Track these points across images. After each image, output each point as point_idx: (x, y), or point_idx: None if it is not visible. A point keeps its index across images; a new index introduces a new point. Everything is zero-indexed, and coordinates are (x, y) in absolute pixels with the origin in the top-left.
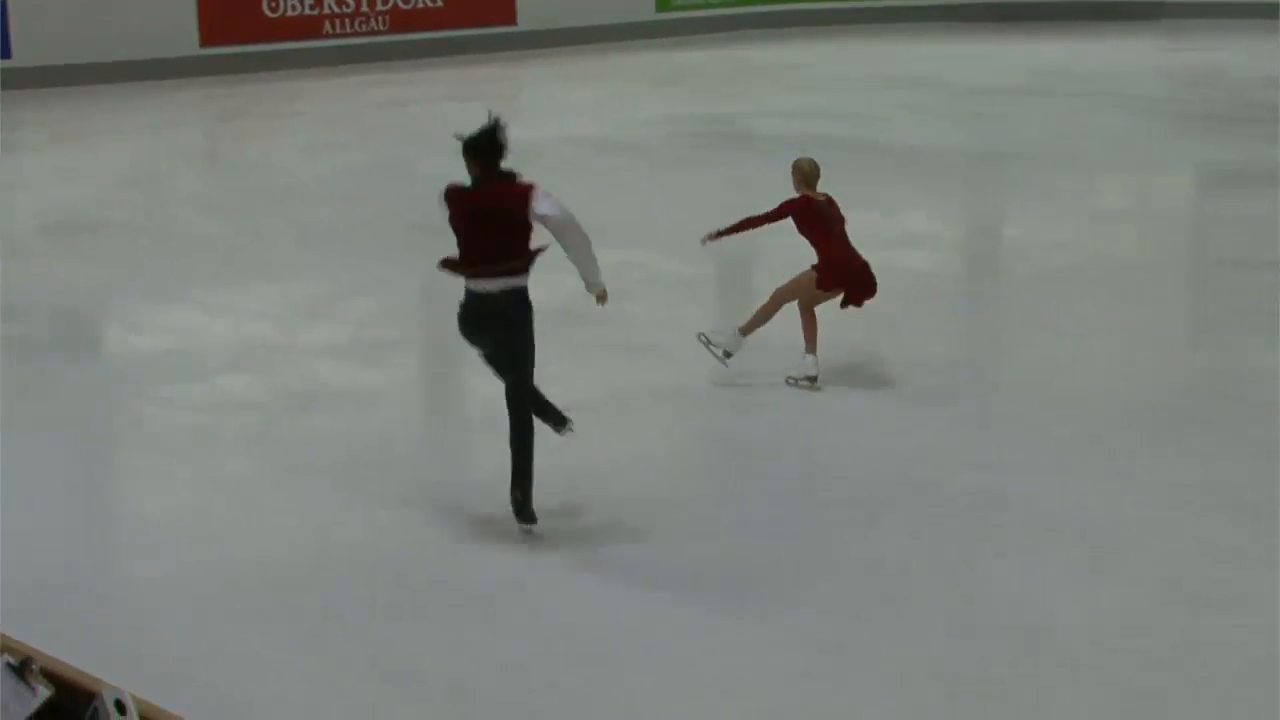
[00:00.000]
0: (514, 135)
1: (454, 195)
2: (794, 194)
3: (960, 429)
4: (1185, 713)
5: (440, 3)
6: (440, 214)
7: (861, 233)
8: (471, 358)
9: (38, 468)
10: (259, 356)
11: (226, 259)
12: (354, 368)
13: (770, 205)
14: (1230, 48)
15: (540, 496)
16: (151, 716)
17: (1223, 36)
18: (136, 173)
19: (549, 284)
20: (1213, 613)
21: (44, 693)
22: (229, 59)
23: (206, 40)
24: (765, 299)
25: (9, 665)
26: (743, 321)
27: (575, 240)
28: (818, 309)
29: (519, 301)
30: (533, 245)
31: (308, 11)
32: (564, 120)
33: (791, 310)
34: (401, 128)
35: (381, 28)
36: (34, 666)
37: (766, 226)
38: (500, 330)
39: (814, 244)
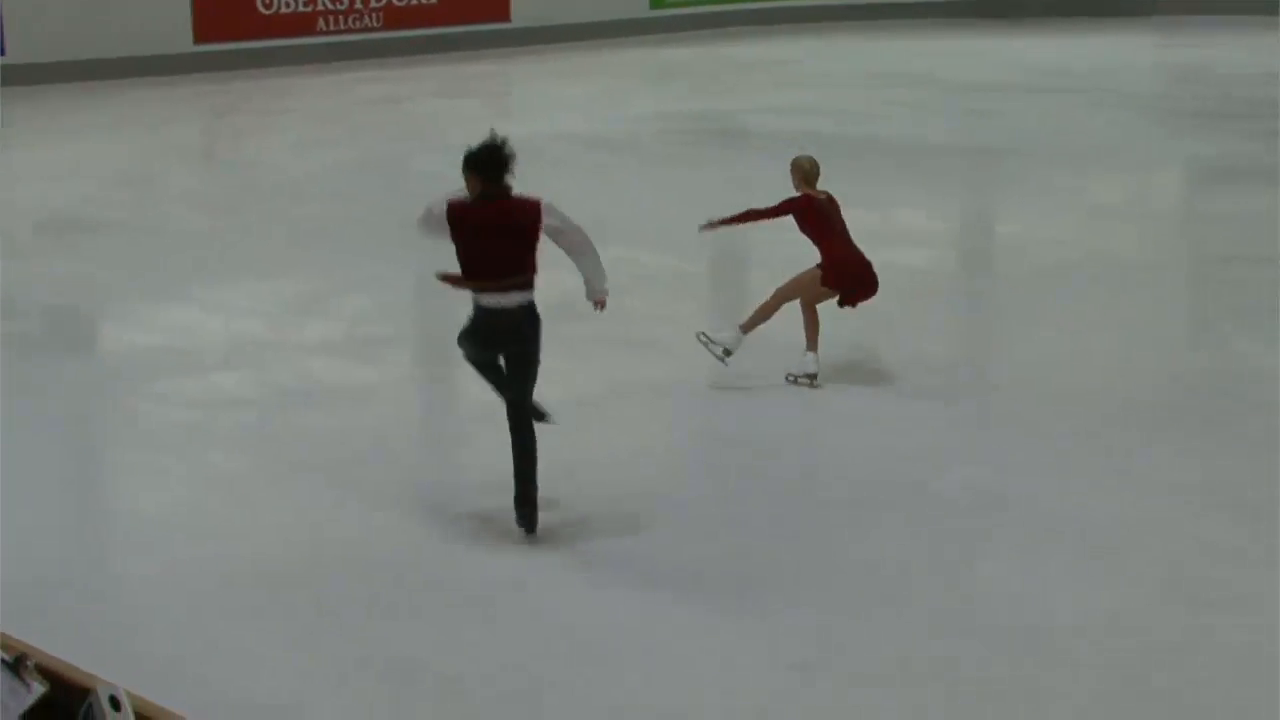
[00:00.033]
0: (506, 132)
1: (459, 211)
2: (794, 192)
3: (960, 428)
4: (1186, 712)
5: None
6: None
7: (857, 230)
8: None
9: (32, 464)
10: (253, 353)
11: (221, 256)
12: (348, 364)
13: (764, 202)
14: (1222, 44)
15: (539, 492)
16: (152, 715)
17: (1215, 32)
18: (130, 170)
19: (544, 280)
20: (1213, 612)
21: (38, 689)
22: (223, 56)
23: (200, 37)
24: (760, 295)
25: (3, 661)
26: (743, 319)
27: (585, 250)
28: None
29: (533, 315)
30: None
31: (301, 8)
32: (556, 117)
33: (790, 308)
34: (394, 125)
35: (375, 25)
36: (28, 663)
37: (765, 222)
38: (515, 344)
39: (816, 242)
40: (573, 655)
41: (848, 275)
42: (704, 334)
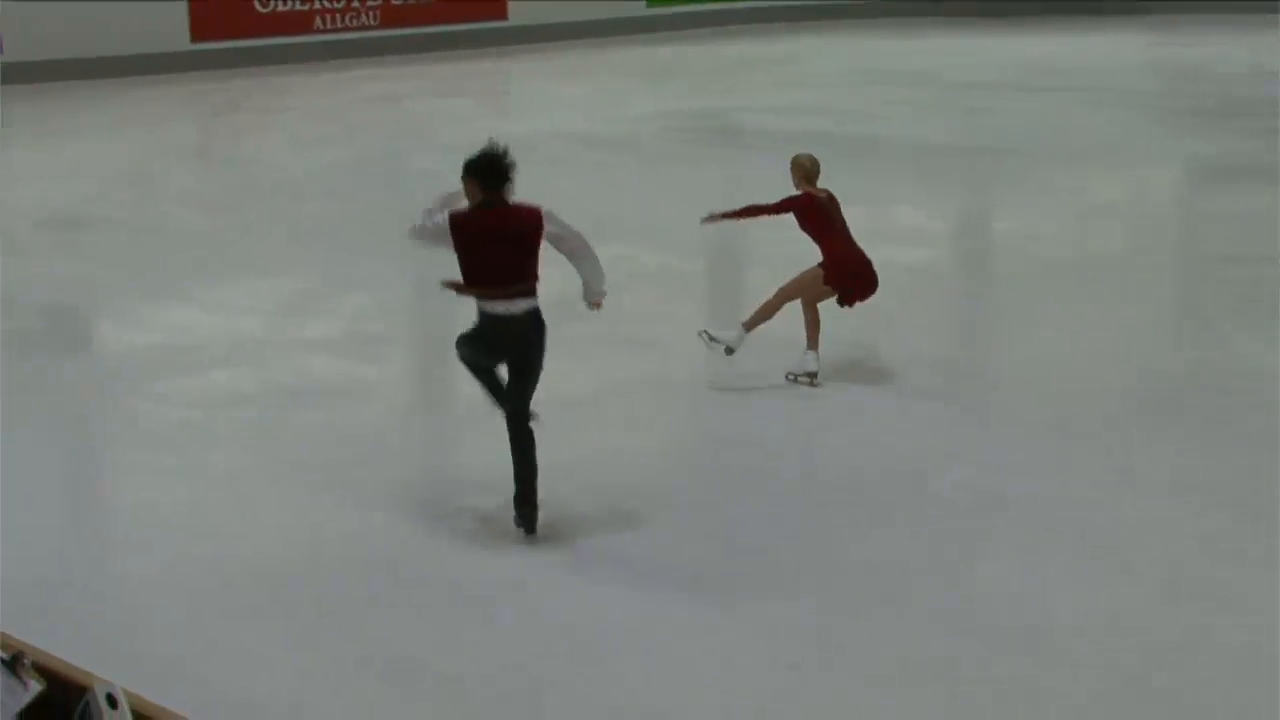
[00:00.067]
0: (504, 130)
1: (462, 220)
2: (794, 190)
3: (960, 427)
4: (1185, 712)
5: None
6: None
7: (856, 229)
8: None
9: (31, 463)
10: (253, 352)
11: (220, 255)
12: (348, 363)
13: (763, 200)
14: (1216, 41)
15: (539, 491)
16: (152, 715)
17: (1208, 30)
18: (128, 168)
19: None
20: (1213, 612)
21: (35, 687)
22: (220, 54)
23: (197, 35)
24: (758, 293)
25: (0, 660)
26: (744, 317)
27: (586, 254)
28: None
29: (539, 322)
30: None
31: (298, 7)
32: (554, 115)
33: (791, 307)
34: (392, 123)
35: (372, 23)
36: (25, 661)
37: (766, 218)
38: (521, 351)
39: (817, 240)
40: (573, 655)
41: (848, 274)
42: (706, 332)
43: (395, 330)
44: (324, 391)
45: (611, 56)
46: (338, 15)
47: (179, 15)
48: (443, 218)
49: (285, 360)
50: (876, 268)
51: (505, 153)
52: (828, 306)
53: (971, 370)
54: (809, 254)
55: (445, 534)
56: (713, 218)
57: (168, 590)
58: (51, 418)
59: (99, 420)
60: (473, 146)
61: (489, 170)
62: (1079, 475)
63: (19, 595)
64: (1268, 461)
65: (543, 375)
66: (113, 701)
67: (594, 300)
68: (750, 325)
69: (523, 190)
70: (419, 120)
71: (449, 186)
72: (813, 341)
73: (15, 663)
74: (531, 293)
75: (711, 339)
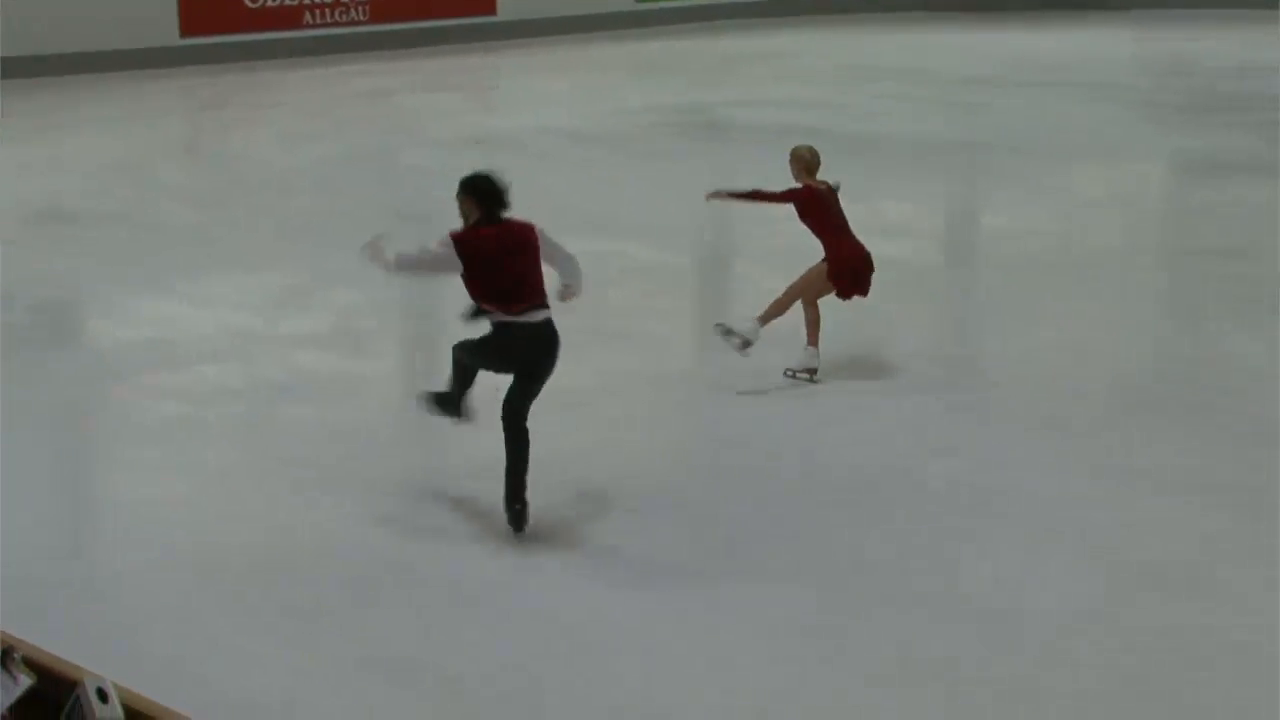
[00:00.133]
0: (493, 125)
1: (469, 237)
2: (793, 182)
3: (960, 425)
4: (1186, 712)
5: None
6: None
7: (853, 224)
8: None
9: (20, 458)
10: (241, 347)
11: (209, 249)
12: (337, 358)
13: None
14: (1200, 36)
15: (534, 487)
16: (152, 714)
17: (1192, 25)
18: (118, 163)
19: None
20: (1213, 611)
21: (26, 681)
22: (209, 49)
23: (186, 30)
24: (752, 288)
25: None
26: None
27: (570, 262)
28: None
29: (555, 329)
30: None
31: (288, 2)
32: (543, 111)
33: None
34: (381, 118)
35: (361, 18)
36: (16, 655)
37: (765, 206)
38: (548, 359)
39: (818, 234)
40: (573, 655)
41: (849, 270)
42: (723, 324)
43: (385, 325)
44: (314, 386)
45: (600, 52)
46: (327, 10)
47: (168, 10)
48: (448, 248)
49: (275, 355)
50: (874, 263)
51: (495, 178)
52: (826, 302)
53: (970, 367)
54: (799, 247)
55: (440, 530)
56: (718, 194)
57: (159, 586)
58: (40, 413)
59: (89, 415)
60: (462, 141)
61: (488, 192)
62: (1079, 474)
63: (7, 589)
64: (1268, 460)
65: None
66: (103, 695)
67: (566, 284)
68: (764, 319)
69: (512, 186)
70: (408, 115)
71: (437, 183)
72: (812, 338)
73: (5, 657)
74: (547, 302)
75: (728, 332)
